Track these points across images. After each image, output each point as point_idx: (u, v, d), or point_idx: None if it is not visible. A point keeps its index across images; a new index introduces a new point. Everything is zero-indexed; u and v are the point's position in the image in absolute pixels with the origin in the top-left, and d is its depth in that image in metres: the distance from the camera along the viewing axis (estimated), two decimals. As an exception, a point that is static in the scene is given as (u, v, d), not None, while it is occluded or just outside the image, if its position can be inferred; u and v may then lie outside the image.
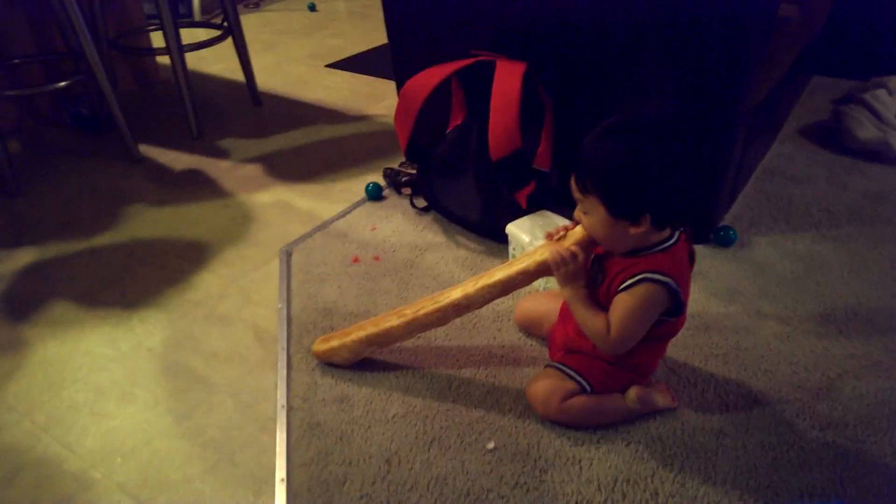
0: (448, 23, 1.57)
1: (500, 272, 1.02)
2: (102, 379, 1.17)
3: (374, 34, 3.23)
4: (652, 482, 0.93)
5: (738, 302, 1.28)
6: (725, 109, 1.28)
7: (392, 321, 1.09)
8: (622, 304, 0.89)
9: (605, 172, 0.85)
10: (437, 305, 1.06)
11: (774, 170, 1.76)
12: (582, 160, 0.87)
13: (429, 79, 1.43)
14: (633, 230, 0.86)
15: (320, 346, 1.16)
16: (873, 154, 1.79)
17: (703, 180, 1.38)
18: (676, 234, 0.91)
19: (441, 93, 1.49)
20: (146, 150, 2.05)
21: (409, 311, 1.08)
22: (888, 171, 1.74)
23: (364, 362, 1.15)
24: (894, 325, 1.21)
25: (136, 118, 2.28)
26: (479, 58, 1.43)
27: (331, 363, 1.16)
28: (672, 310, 0.91)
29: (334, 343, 1.14)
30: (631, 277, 0.88)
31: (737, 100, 1.26)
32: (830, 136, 1.89)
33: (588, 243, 0.93)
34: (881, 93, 1.85)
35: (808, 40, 1.83)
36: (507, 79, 1.33)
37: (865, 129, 1.79)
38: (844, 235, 1.47)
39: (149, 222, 1.65)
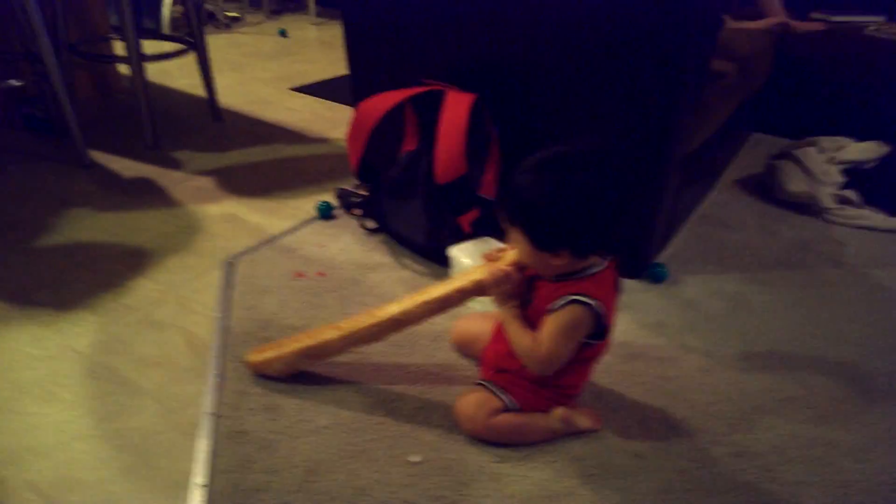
0: (404, 53, 1.62)
1: (437, 289, 1.04)
2: (25, 378, 1.14)
3: (341, 64, 3.26)
4: (570, 499, 0.95)
5: (665, 335, 1.33)
6: (657, 155, 1.35)
7: (329, 334, 1.10)
8: (550, 324, 0.93)
9: (526, 207, 0.88)
10: (374, 320, 1.07)
11: (710, 216, 1.85)
12: (507, 193, 0.91)
13: (382, 102, 1.47)
14: (554, 261, 0.90)
15: (255, 356, 1.15)
16: (802, 206, 1.89)
17: (636, 220, 1.44)
18: (604, 261, 0.95)
19: (396, 118, 1.54)
20: (98, 156, 2.03)
21: (347, 325, 1.09)
22: (814, 223, 1.84)
23: (297, 374, 1.15)
24: (809, 364, 1.27)
25: (92, 124, 2.26)
26: (431, 87, 1.48)
27: (264, 375, 1.15)
28: (596, 333, 0.94)
29: (269, 354, 1.14)
30: (559, 299, 0.91)
31: (668, 146, 1.34)
32: (764, 188, 1.99)
33: (522, 265, 0.97)
34: (811, 150, 1.98)
35: (746, 97, 1.95)
36: (456, 108, 1.38)
37: (795, 183, 1.90)
38: (770, 279, 1.55)
39: (92, 227, 1.63)
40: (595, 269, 0.94)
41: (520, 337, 0.96)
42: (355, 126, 1.50)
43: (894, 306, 1.47)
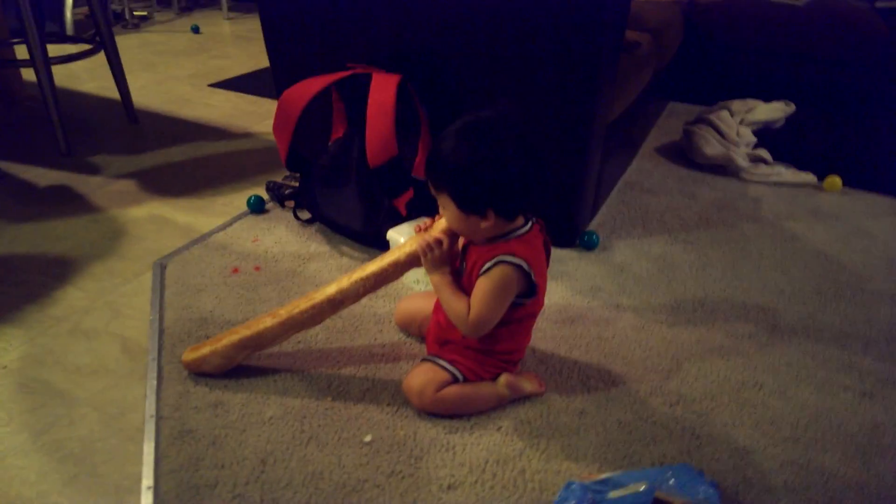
0: (326, 38, 1.61)
1: (372, 265, 1.05)
2: (-53, 400, 1.08)
3: (259, 57, 3.22)
4: (520, 461, 0.98)
5: (599, 298, 1.38)
6: (581, 124, 1.40)
7: (266, 322, 1.09)
8: (480, 286, 0.96)
9: (450, 171, 0.92)
10: (311, 302, 1.07)
11: (634, 183, 1.92)
12: (432, 160, 0.94)
13: (307, 89, 1.46)
14: (482, 223, 0.94)
15: (190, 354, 1.12)
16: (718, 168, 1.99)
17: (566, 189, 1.49)
18: (530, 222, 0.99)
19: (322, 106, 1.52)
20: (8, 166, 1.93)
21: (284, 311, 1.08)
22: (731, 183, 1.94)
23: (240, 368, 1.14)
24: (734, 314, 1.35)
25: (-3, 134, 2.14)
26: (356, 70, 1.47)
27: (202, 373, 1.13)
28: (527, 291, 0.98)
29: (204, 350, 1.11)
30: (488, 262, 0.95)
31: (591, 115, 1.38)
32: (682, 154, 2.09)
33: (452, 232, 0.99)
34: (724, 114, 2.08)
35: (660, 66, 2.03)
36: (383, 89, 1.38)
37: (711, 146, 1.99)
38: (693, 239, 1.63)
39: (10, 240, 1.55)
40: (521, 231, 0.98)
41: (453, 302, 0.99)
42: (280, 116, 1.47)
43: (806, 254, 1.58)
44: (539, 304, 1.03)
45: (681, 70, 2.55)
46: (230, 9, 4.28)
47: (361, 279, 1.04)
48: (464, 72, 1.46)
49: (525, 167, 0.91)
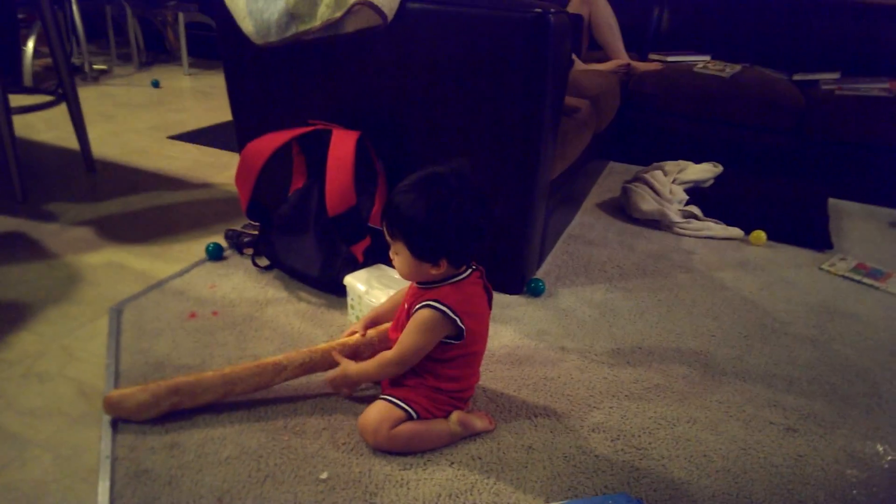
0: (287, 95, 1.69)
1: (322, 346, 1.19)
2: None
3: (218, 111, 3.29)
4: (471, 495, 1.03)
5: (545, 341, 1.46)
6: (525, 182, 1.51)
7: (207, 374, 1.14)
8: (407, 326, 1.06)
9: (408, 223, 1.00)
10: (256, 363, 1.16)
11: (577, 235, 2.04)
12: (390, 210, 1.02)
13: (269, 143, 1.53)
14: (433, 270, 1.03)
15: (114, 392, 1.11)
16: (654, 222, 2.14)
17: (512, 241, 1.59)
18: (468, 270, 1.08)
19: (283, 158, 1.60)
20: (-42, 213, 1.92)
21: (228, 369, 1.15)
22: (665, 236, 2.09)
23: (197, 410, 1.15)
24: (669, 356, 1.45)
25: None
26: (317, 126, 1.56)
27: (120, 415, 1.11)
28: (456, 335, 1.06)
29: (131, 389, 1.11)
30: (417, 304, 1.05)
31: (533, 174, 1.49)
32: (621, 209, 2.23)
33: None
34: (658, 174, 2.24)
35: (600, 129, 2.19)
36: (342, 144, 1.47)
37: (647, 203, 2.14)
38: (632, 286, 1.74)
39: (-43, 285, 1.54)
40: (458, 277, 1.06)
41: (375, 367, 1.11)
42: (243, 167, 1.54)
43: (735, 301, 1.70)
44: (476, 345, 1.11)
45: (619, 133, 2.75)
46: (190, 65, 4.36)
47: (309, 351, 1.17)
48: (417, 130, 1.56)
49: (477, 220, 1.00)
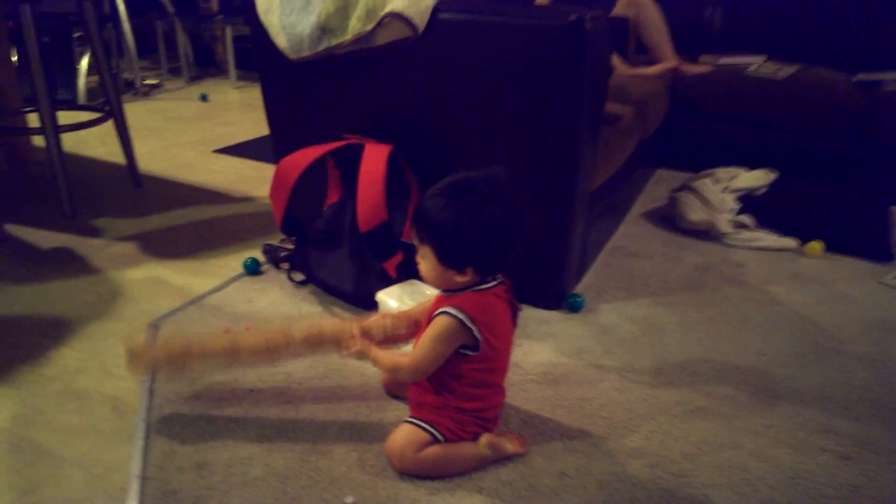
0: (322, 109, 1.69)
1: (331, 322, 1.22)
2: (-63, 459, 1.10)
3: (263, 124, 3.28)
4: (499, 524, 0.99)
5: (583, 359, 1.41)
6: (563, 194, 1.46)
7: (218, 339, 1.17)
8: (423, 335, 1.03)
9: (436, 227, 0.98)
10: (265, 331, 1.17)
11: (620, 247, 1.98)
12: (419, 214, 1.00)
13: (303, 157, 1.53)
14: (458, 278, 1.00)
15: (137, 348, 1.17)
16: (702, 233, 2.05)
17: (551, 254, 1.54)
18: (494, 281, 1.04)
19: (318, 172, 1.60)
20: (13, 228, 1.99)
21: (240, 336, 1.17)
22: (714, 248, 2.00)
23: (226, 429, 1.16)
24: (715, 376, 1.37)
25: (6, 198, 2.22)
26: (350, 141, 1.55)
27: (141, 368, 1.22)
28: (473, 346, 1.02)
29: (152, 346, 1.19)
30: (436, 311, 1.02)
31: (572, 186, 1.44)
32: (668, 219, 2.15)
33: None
34: (708, 181, 2.15)
35: (645, 136, 2.11)
36: (374, 159, 1.45)
37: (695, 212, 2.05)
38: (676, 301, 1.67)
39: (8, 301, 1.59)
40: (481, 286, 1.03)
41: (389, 362, 1.08)
42: (277, 182, 1.54)
43: (787, 317, 1.61)
44: (496, 361, 1.07)
45: (668, 139, 2.65)
46: (238, 77, 4.46)
47: (318, 326, 1.17)
48: (451, 142, 1.53)
49: (508, 229, 0.98)
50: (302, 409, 1.22)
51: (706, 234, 2.05)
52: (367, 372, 1.33)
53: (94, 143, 2.91)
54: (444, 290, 1.06)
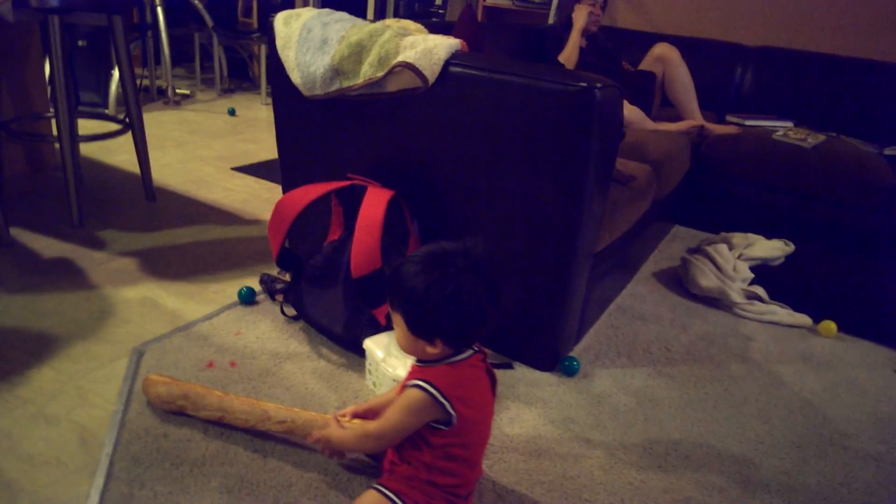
0: (330, 145, 1.68)
1: (307, 414, 1.21)
2: None
3: (285, 144, 3.35)
4: None
5: (571, 430, 1.35)
6: (562, 254, 1.41)
7: (214, 393, 1.24)
8: (393, 403, 1.00)
9: (406, 294, 0.95)
10: (250, 401, 1.23)
11: (626, 307, 1.91)
12: (392, 280, 0.98)
13: (304, 195, 1.51)
14: (429, 349, 0.97)
15: (151, 376, 1.29)
16: (713, 300, 1.98)
17: (547, 314, 1.49)
18: (469, 351, 1.00)
19: (322, 207, 1.58)
20: (21, 234, 2.00)
21: (228, 398, 1.23)
22: (724, 317, 1.93)
23: (188, 474, 1.12)
24: (707, 462, 1.30)
25: (19, 202, 2.24)
26: (354, 182, 1.53)
27: (148, 397, 1.28)
28: (446, 421, 0.97)
29: (163, 379, 1.27)
30: (408, 382, 0.98)
31: (571, 246, 1.40)
32: (679, 282, 2.09)
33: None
34: (723, 247, 2.09)
35: (660, 195, 2.06)
36: (374, 204, 1.43)
37: (707, 278, 1.99)
38: (677, 374, 1.60)
39: None
40: (456, 358, 0.99)
41: (358, 435, 1.05)
42: (276, 218, 1.52)
43: (793, 403, 1.53)
44: (471, 435, 1.02)
45: (688, 197, 2.59)
46: (269, 94, 4.50)
47: (292, 414, 1.20)
48: (454, 192, 1.50)
49: (479, 303, 0.95)
50: (270, 460, 1.18)
51: (716, 301, 1.98)
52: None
53: (117, 149, 2.94)
54: (419, 361, 1.02)
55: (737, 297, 1.95)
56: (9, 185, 2.32)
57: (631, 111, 2.36)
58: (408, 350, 1.01)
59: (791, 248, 2.14)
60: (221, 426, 1.24)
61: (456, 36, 1.45)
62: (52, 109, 2.48)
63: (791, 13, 3.06)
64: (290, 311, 1.67)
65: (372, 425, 1.02)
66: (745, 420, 1.45)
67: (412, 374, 1.01)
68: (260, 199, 2.55)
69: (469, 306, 0.94)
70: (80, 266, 1.84)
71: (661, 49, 2.64)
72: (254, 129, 3.75)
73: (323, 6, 1.68)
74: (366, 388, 1.42)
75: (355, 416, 1.16)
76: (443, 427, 0.98)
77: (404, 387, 1.00)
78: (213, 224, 2.26)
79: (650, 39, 2.80)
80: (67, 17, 1.97)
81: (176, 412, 1.26)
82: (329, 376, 1.45)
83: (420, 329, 0.96)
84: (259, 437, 1.23)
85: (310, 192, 1.51)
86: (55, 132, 2.20)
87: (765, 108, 2.91)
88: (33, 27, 2.43)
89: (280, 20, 1.60)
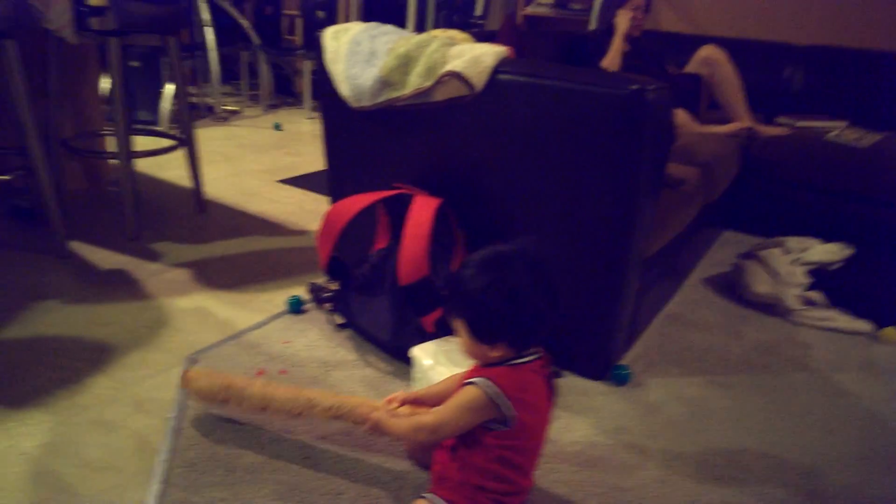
0: (378, 155, 1.69)
1: (356, 399, 1.20)
2: (-35, 481, 1.12)
3: (329, 156, 3.40)
4: None
5: (624, 440, 1.32)
6: (615, 259, 1.39)
7: (256, 384, 1.24)
8: (451, 398, 1.00)
9: (467, 301, 0.96)
10: (294, 389, 1.22)
11: (677, 315, 1.87)
12: (451, 287, 0.99)
13: (352, 205, 1.53)
14: (491, 353, 0.97)
15: (192, 372, 1.28)
16: (768, 307, 1.92)
17: (598, 322, 1.46)
18: (532, 356, 1.00)
19: (369, 216, 1.59)
20: (79, 247, 2.07)
21: (272, 386, 1.23)
22: (780, 324, 1.86)
23: (242, 480, 1.13)
24: (768, 474, 1.25)
25: (77, 216, 2.32)
26: (401, 191, 1.54)
27: (190, 392, 1.28)
28: (503, 421, 0.96)
29: (205, 373, 1.28)
30: (467, 380, 0.98)
31: (624, 251, 1.37)
32: (731, 287, 2.02)
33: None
34: (777, 251, 2.02)
35: (710, 199, 2.01)
36: (421, 212, 1.43)
37: (762, 284, 1.93)
38: (733, 383, 1.55)
39: (58, 320, 1.64)
40: (517, 360, 0.99)
41: (412, 425, 1.04)
42: (325, 227, 1.54)
43: (856, 413, 1.47)
44: (527, 440, 1.01)
45: (737, 201, 2.52)
46: (312, 108, 4.59)
47: (340, 400, 1.19)
48: (502, 200, 1.50)
49: (539, 302, 0.95)
50: (321, 468, 1.19)
51: (771, 308, 1.92)
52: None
53: (169, 165, 3.03)
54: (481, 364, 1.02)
55: (793, 302, 1.88)
56: (68, 200, 2.41)
57: (677, 114, 2.32)
58: (472, 355, 1.01)
59: (850, 251, 2.05)
60: (270, 434, 1.25)
61: (499, 44, 1.45)
62: (108, 126, 2.57)
63: (840, 10, 2.96)
64: (339, 320, 1.68)
65: (427, 417, 1.02)
66: (806, 431, 1.39)
67: (472, 373, 1.00)
68: (305, 210, 2.59)
69: (527, 305, 0.94)
70: (135, 277, 1.90)
71: (707, 51, 2.59)
72: (298, 142, 3.82)
73: (365, 21, 1.70)
74: (413, 396, 1.41)
75: (404, 402, 1.16)
76: (500, 427, 0.97)
77: (462, 384, 0.99)
78: (262, 235, 2.30)
79: (694, 42, 2.74)
80: (125, 39, 2.04)
81: (220, 408, 1.28)
82: (377, 384, 1.46)
83: (481, 332, 0.96)
84: (309, 445, 1.24)
85: (358, 202, 1.52)
86: (111, 148, 2.28)
87: (817, 109, 2.81)
88: (91, 48, 2.53)
89: (329, 35, 1.63)
